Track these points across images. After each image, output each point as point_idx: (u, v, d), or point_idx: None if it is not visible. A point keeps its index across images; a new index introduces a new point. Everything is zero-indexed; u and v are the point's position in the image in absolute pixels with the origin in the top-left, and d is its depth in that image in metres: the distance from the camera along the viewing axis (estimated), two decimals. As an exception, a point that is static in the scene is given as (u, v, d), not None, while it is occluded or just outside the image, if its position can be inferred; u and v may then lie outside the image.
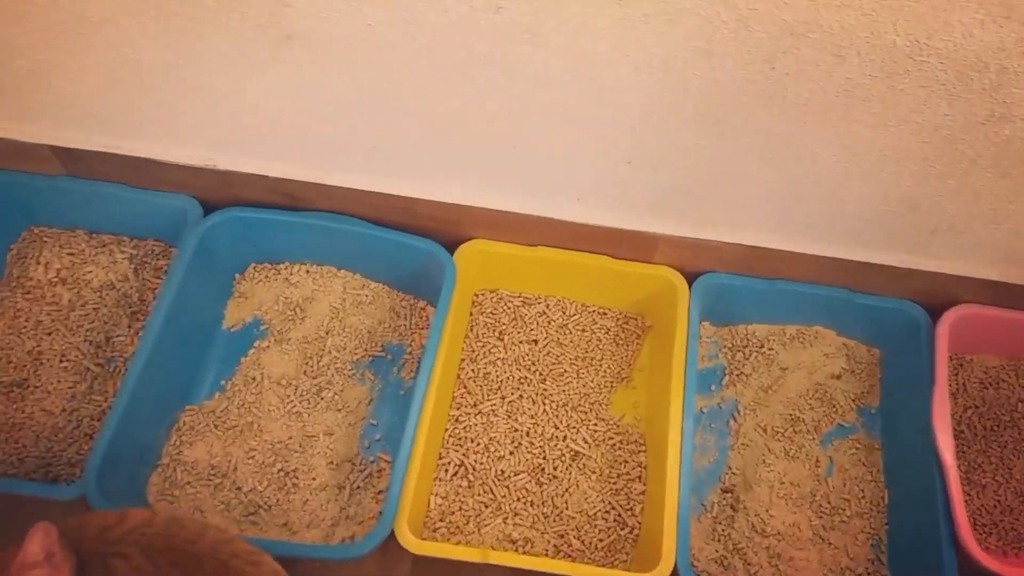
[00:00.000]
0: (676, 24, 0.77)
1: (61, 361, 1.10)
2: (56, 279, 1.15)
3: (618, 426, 1.10)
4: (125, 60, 0.93)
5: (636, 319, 1.17)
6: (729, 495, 1.06)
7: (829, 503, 1.06)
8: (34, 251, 1.17)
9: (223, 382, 1.11)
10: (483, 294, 1.18)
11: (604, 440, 1.08)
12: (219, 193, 1.11)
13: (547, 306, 1.18)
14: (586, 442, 1.08)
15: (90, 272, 1.15)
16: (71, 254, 1.17)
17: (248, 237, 1.13)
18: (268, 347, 1.13)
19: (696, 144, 0.91)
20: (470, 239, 1.12)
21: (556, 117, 0.90)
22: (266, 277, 1.18)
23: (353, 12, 0.81)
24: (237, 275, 1.18)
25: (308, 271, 1.18)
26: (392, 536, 0.92)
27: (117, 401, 0.97)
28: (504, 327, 1.16)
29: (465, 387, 1.11)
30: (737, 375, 1.13)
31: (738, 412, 1.11)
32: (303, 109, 0.96)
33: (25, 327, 1.11)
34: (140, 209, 1.13)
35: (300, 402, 1.09)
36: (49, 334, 1.11)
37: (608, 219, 1.05)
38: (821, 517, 1.05)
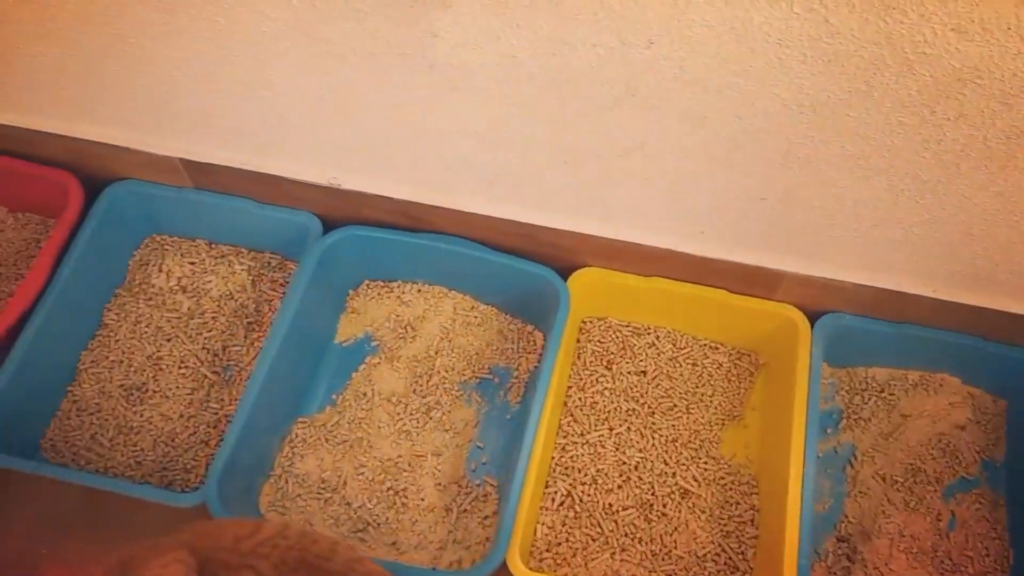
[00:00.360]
0: (836, 65, 0.75)
1: (180, 368, 1.12)
2: (177, 287, 1.18)
3: (729, 466, 1.07)
4: (263, 81, 0.95)
5: (750, 356, 1.14)
6: (845, 544, 1.02)
7: (951, 560, 1.01)
8: (156, 258, 1.20)
9: (334, 396, 1.12)
10: (591, 321, 1.17)
11: (714, 480, 1.06)
12: (340, 211, 1.13)
13: (657, 337, 1.16)
14: (696, 480, 1.05)
15: (209, 281, 1.18)
16: (192, 263, 1.20)
17: (365, 255, 1.14)
18: (379, 364, 1.14)
19: (838, 183, 0.88)
20: (584, 266, 1.11)
21: (697, 153, 0.89)
22: (379, 294, 1.19)
23: (500, 44, 0.82)
24: (351, 291, 1.19)
25: (420, 290, 1.19)
26: (503, 565, 0.92)
27: (239, 410, 0.99)
28: (612, 356, 1.15)
29: (572, 415, 1.10)
30: (855, 419, 1.09)
31: (855, 458, 1.07)
32: (434, 134, 0.97)
33: (146, 332, 1.15)
34: (261, 223, 1.16)
35: (409, 420, 1.09)
36: (168, 340, 1.15)
37: (731, 253, 1.03)
38: (943, 574, 1.00)
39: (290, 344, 1.05)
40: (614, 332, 1.17)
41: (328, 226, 1.13)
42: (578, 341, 1.16)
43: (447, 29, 0.82)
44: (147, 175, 1.15)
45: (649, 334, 1.16)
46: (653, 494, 1.04)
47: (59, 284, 1.07)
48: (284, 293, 1.17)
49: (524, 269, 1.10)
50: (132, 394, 1.11)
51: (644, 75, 0.81)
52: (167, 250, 1.21)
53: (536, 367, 1.12)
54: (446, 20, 0.81)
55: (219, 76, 0.97)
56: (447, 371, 1.13)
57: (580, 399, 1.11)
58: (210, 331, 1.15)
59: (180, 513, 0.96)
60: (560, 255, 1.11)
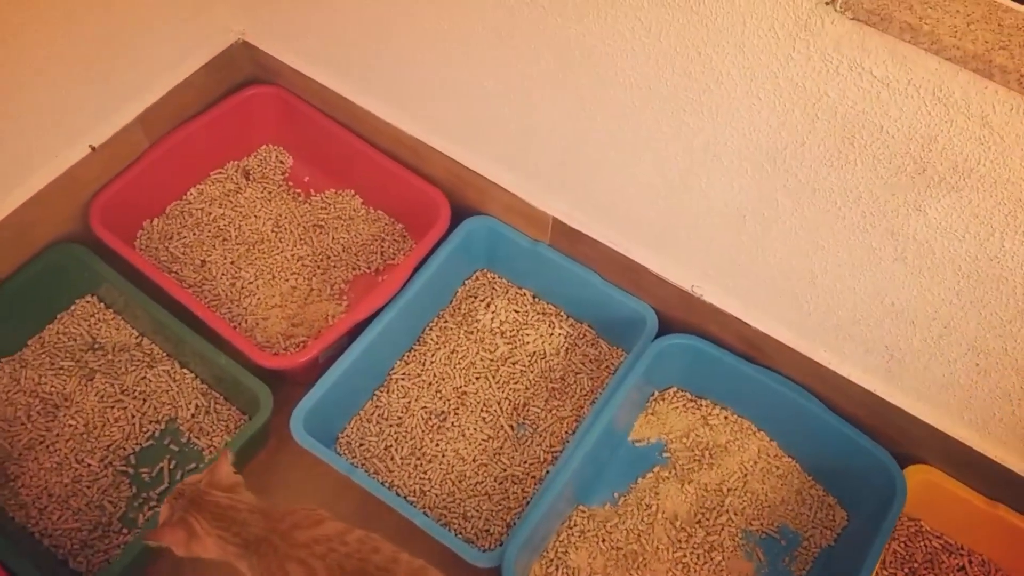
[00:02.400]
0: None
1: (482, 410, 1.13)
2: (498, 329, 1.20)
3: None
4: (677, 185, 0.95)
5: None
6: None
7: None
8: (484, 294, 1.23)
9: (616, 495, 1.09)
10: (905, 520, 1.07)
11: None
12: (680, 313, 1.11)
13: (968, 561, 1.05)
14: None
15: (528, 335, 1.19)
16: (516, 311, 1.21)
17: (689, 365, 1.11)
18: (668, 479, 1.09)
19: None
20: (922, 462, 1.03)
21: None
22: (684, 406, 1.15)
23: (990, 241, 0.77)
24: (656, 392, 1.16)
25: (727, 417, 1.14)
26: None
27: (550, 487, 0.97)
28: (916, 566, 1.04)
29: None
30: None
31: None
32: (845, 294, 0.93)
33: (460, 363, 1.17)
34: (597, 297, 1.15)
35: (690, 553, 1.04)
36: (478, 378, 1.16)
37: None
38: None
39: (600, 434, 1.03)
40: (924, 538, 1.07)
41: (664, 324, 1.12)
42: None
43: (936, 208, 0.78)
44: (510, 218, 1.18)
45: (962, 555, 1.05)
46: None
47: (407, 295, 1.11)
48: (597, 375, 1.16)
49: (858, 443, 1.03)
50: (432, 419, 1.12)
51: None
52: (496, 289, 1.23)
53: (831, 545, 1.05)
54: (942, 202, 0.77)
55: (635, 173, 0.98)
56: (735, 514, 1.07)
57: (869, 599, 1.02)
58: (516, 383, 1.15)
59: (464, 565, 0.94)
60: (901, 441, 1.03)
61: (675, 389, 1.16)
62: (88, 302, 1.19)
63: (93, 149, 1.12)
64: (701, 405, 1.15)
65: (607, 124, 0.95)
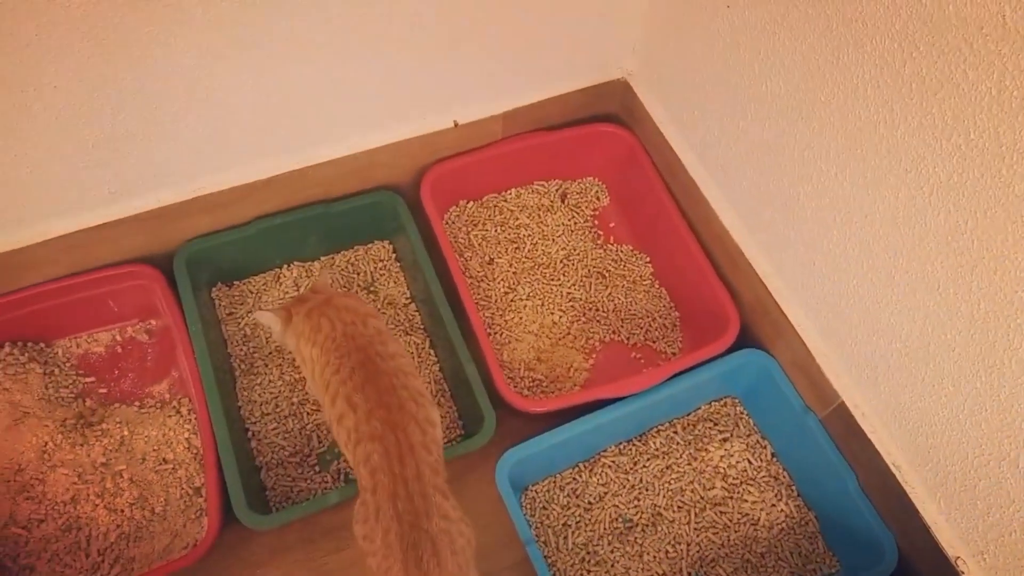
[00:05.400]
0: None
1: (669, 542, 1.07)
2: (723, 471, 1.12)
3: None
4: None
5: None
6: None
7: None
8: (725, 427, 1.15)
9: None
10: None
11: None
12: (926, 569, 0.97)
13: None
14: None
15: (750, 494, 1.10)
16: (750, 462, 1.12)
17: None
18: None
19: None
20: None
21: None
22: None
23: None
24: (854, 629, 1.03)
25: None
26: None
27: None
28: None
29: None
30: None
31: None
32: None
33: (670, 484, 1.10)
34: (842, 501, 1.03)
35: None
36: (679, 508, 1.09)
37: None
38: None
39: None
40: None
41: (899, 564, 0.98)
42: None
43: None
44: (793, 372, 1.09)
45: None
46: None
47: (656, 396, 1.07)
48: (800, 574, 1.04)
49: None
50: (619, 523, 1.08)
51: None
52: (739, 428, 1.15)
53: None
54: None
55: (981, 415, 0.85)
56: None
57: None
58: (716, 535, 1.08)
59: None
60: None
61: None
62: (383, 247, 1.27)
63: (456, 125, 1.18)
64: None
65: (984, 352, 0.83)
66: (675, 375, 1.09)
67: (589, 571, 1.04)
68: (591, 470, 1.11)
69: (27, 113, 0.89)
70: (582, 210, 1.34)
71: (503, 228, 1.30)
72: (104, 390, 1.13)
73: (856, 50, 0.83)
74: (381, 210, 1.21)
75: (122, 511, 1.02)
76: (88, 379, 1.13)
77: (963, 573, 0.92)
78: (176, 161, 1.03)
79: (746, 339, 1.14)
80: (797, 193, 0.99)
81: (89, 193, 1.02)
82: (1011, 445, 0.81)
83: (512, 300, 1.23)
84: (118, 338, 1.17)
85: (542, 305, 1.24)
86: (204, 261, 1.14)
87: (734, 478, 1.12)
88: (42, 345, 1.14)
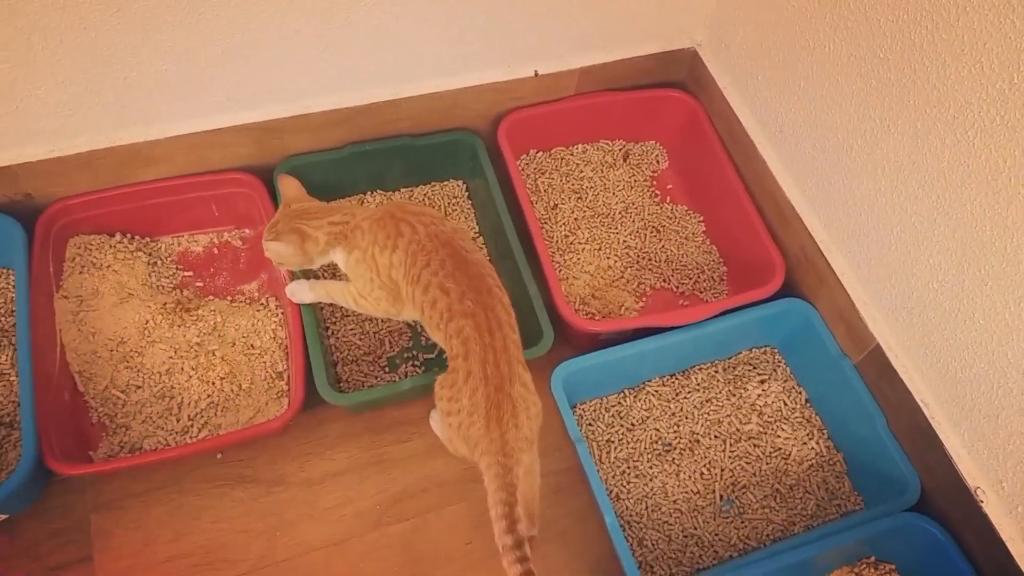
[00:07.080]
0: None
1: (704, 465, 1.15)
2: (760, 408, 1.20)
3: None
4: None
5: None
6: None
7: None
8: (764, 371, 1.23)
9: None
10: None
11: None
12: (943, 503, 1.03)
13: None
14: None
15: (783, 431, 1.18)
16: (785, 403, 1.20)
17: (919, 552, 1.04)
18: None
19: None
20: None
21: None
22: (893, 590, 1.08)
23: None
24: (874, 557, 1.10)
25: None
26: None
27: None
28: None
29: None
30: None
31: None
32: None
33: (708, 415, 1.19)
34: (870, 443, 1.11)
35: None
36: (716, 437, 1.17)
37: None
38: None
39: (793, 564, 1.00)
40: None
41: (921, 498, 1.05)
42: None
43: None
44: (832, 321, 1.17)
45: None
46: None
47: (702, 329, 1.17)
48: (825, 508, 1.12)
49: None
50: (658, 445, 1.17)
51: None
52: (777, 372, 1.23)
53: None
54: None
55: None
56: None
57: None
58: (748, 464, 1.16)
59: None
60: None
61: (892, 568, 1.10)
62: (456, 184, 1.38)
63: (536, 75, 1.29)
64: (909, 600, 1.08)
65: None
66: (721, 313, 1.17)
67: (629, 482, 1.13)
68: (635, 396, 1.20)
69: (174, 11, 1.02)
70: (642, 170, 1.44)
71: (568, 179, 1.40)
72: (200, 284, 1.24)
73: (915, 7, 0.92)
74: (461, 148, 1.32)
75: (213, 383, 1.12)
76: (187, 273, 1.25)
77: (982, 502, 0.99)
78: (289, 78, 1.15)
79: (790, 292, 1.22)
80: (850, 147, 1.08)
81: (209, 98, 1.14)
82: (1034, 370, 0.89)
83: (572, 243, 1.33)
84: (215, 241, 1.29)
85: (599, 249, 1.33)
86: (300, 177, 1.25)
87: (769, 416, 1.19)
88: (147, 239, 1.26)
